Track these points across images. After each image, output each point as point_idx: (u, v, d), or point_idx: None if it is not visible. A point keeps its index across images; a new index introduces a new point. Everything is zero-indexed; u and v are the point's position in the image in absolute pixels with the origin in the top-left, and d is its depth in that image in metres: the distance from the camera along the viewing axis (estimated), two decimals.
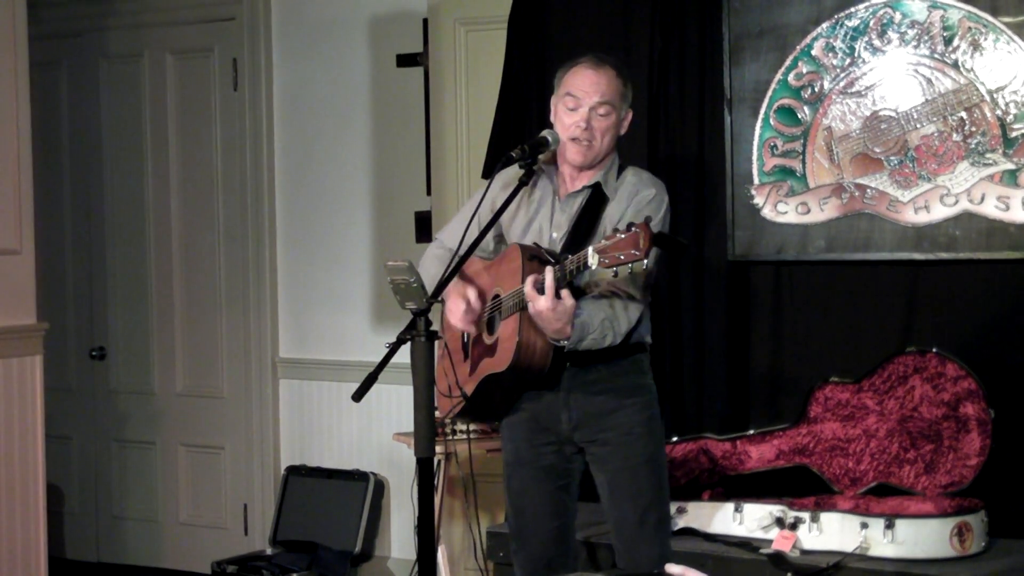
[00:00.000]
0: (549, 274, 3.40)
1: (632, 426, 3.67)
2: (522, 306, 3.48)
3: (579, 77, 3.68)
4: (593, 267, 3.28)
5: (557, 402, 3.69)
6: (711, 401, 4.79)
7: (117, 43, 6.33)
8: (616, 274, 3.26)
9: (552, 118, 3.75)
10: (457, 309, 3.67)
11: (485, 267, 3.78)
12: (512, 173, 3.70)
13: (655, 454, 3.72)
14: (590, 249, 3.28)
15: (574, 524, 3.83)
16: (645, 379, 3.74)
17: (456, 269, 3.53)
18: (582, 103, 3.65)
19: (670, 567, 2.00)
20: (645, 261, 3.22)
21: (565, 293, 3.41)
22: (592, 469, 3.75)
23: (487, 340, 3.69)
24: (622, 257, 3.22)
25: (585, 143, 3.65)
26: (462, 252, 3.54)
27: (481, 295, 3.72)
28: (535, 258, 3.54)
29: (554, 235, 3.68)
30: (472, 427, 4.67)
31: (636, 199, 3.66)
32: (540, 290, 3.40)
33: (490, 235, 3.78)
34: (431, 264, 3.83)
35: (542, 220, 3.72)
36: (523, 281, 3.48)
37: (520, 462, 3.77)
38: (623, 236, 3.22)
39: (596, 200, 3.67)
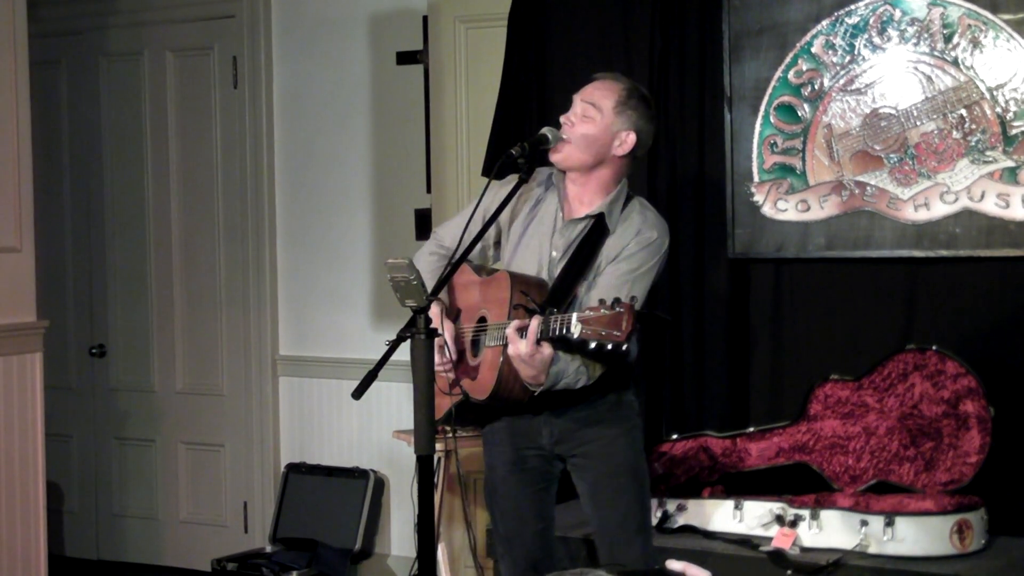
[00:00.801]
0: (534, 322, 3.38)
1: (613, 436, 3.68)
2: (505, 341, 3.48)
3: (583, 88, 3.73)
4: (575, 335, 3.23)
5: (538, 420, 3.71)
6: (711, 398, 4.79)
7: (117, 41, 6.33)
8: (594, 346, 3.21)
9: None
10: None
11: (475, 282, 3.76)
12: (520, 189, 3.70)
13: (636, 463, 3.73)
14: (575, 316, 3.24)
15: (554, 526, 3.85)
16: (626, 395, 3.74)
17: (454, 270, 3.53)
18: (575, 100, 3.70)
19: (671, 563, 1.99)
20: (624, 345, 3.18)
21: (544, 343, 3.40)
22: (574, 477, 3.77)
23: (471, 361, 3.69)
24: (603, 333, 3.18)
25: (564, 136, 3.65)
26: (459, 254, 3.54)
27: (468, 309, 3.72)
28: (520, 306, 3.51)
29: (554, 254, 3.67)
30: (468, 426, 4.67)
31: (637, 238, 3.62)
32: (522, 334, 3.40)
33: (491, 236, 3.78)
34: (423, 266, 3.80)
35: (543, 236, 3.70)
36: (508, 316, 3.50)
37: (505, 465, 3.78)
38: (607, 312, 3.18)
39: (597, 231, 3.64)
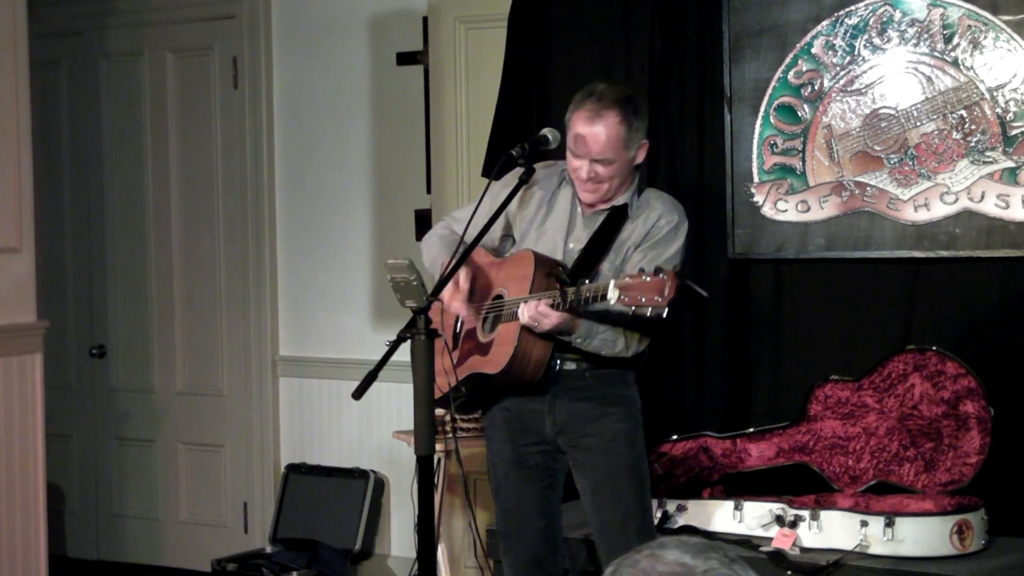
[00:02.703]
0: (545, 307, 3.46)
1: (615, 433, 3.70)
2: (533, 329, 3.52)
3: (579, 127, 3.63)
4: (612, 302, 3.24)
5: (542, 406, 3.71)
6: (711, 399, 4.79)
7: (117, 42, 6.33)
8: (632, 313, 3.25)
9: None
10: (448, 289, 3.66)
11: (491, 262, 3.78)
12: (534, 178, 3.72)
13: (637, 461, 3.74)
14: (611, 283, 3.24)
15: (560, 522, 3.84)
16: (630, 391, 3.76)
17: (455, 269, 3.54)
18: (581, 155, 3.63)
19: None
20: (665, 311, 3.19)
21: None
22: (575, 475, 3.78)
23: (482, 338, 3.70)
24: (643, 300, 3.19)
25: (591, 186, 3.66)
26: (461, 252, 3.56)
27: (482, 289, 3.72)
28: (550, 273, 3.53)
29: (571, 245, 3.69)
30: (470, 425, 4.67)
31: (659, 223, 3.67)
32: (555, 307, 3.45)
33: (498, 229, 3.79)
34: (435, 243, 3.85)
35: (559, 228, 3.72)
36: (531, 291, 3.51)
37: (506, 463, 3.79)
38: (648, 279, 3.19)
39: (616, 217, 3.68)
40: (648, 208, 3.69)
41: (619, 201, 3.69)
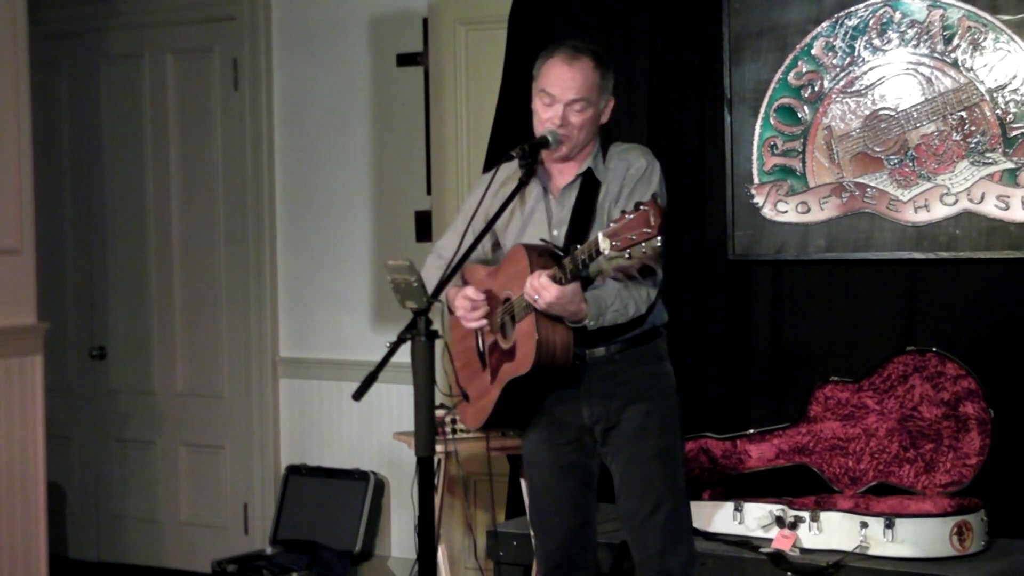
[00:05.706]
0: (545, 279, 3.43)
1: (646, 419, 3.66)
2: (534, 306, 3.49)
3: (553, 73, 3.63)
4: (606, 252, 3.26)
5: (578, 398, 3.68)
6: (711, 400, 4.80)
7: (117, 43, 6.34)
8: (630, 256, 3.25)
9: (532, 106, 3.72)
10: (463, 310, 3.67)
11: (489, 273, 3.76)
12: (504, 176, 3.71)
13: (669, 447, 3.70)
14: (599, 235, 3.26)
15: (595, 519, 3.82)
16: (663, 366, 3.73)
17: (455, 269, 3.53)
18: (556, 100, 3.62)
19: None
20: (659, 238, 3.19)
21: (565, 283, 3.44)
22: (606, 459, 3.75)
23: (504, 345, 3.68)
24: (634, 237, 3.20)
25: (563, 133, 3.65)
26: (460, 254, 3.55)
27: (489, 298, 3.71)
28: (545, 253, 3.52)
29: (555, 232, 3.68)
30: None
31: (629, 172, 3.64)
32: (555, 280, 3.42)
33: (488, 241, 3.78)
34: (433, 275, 3.81)
35: (538, 222, 3.71)
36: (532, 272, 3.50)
37: (540, 461, 3.77)
38: (631, 216, 3.21)
39: (589, 187, 3.66)
40: (616, 165, 3.67)
41: (582, 167, 3.67)
